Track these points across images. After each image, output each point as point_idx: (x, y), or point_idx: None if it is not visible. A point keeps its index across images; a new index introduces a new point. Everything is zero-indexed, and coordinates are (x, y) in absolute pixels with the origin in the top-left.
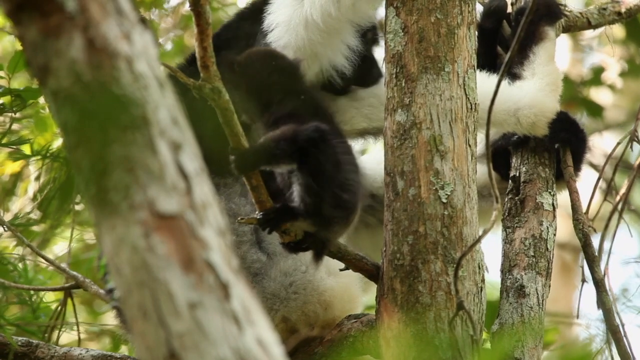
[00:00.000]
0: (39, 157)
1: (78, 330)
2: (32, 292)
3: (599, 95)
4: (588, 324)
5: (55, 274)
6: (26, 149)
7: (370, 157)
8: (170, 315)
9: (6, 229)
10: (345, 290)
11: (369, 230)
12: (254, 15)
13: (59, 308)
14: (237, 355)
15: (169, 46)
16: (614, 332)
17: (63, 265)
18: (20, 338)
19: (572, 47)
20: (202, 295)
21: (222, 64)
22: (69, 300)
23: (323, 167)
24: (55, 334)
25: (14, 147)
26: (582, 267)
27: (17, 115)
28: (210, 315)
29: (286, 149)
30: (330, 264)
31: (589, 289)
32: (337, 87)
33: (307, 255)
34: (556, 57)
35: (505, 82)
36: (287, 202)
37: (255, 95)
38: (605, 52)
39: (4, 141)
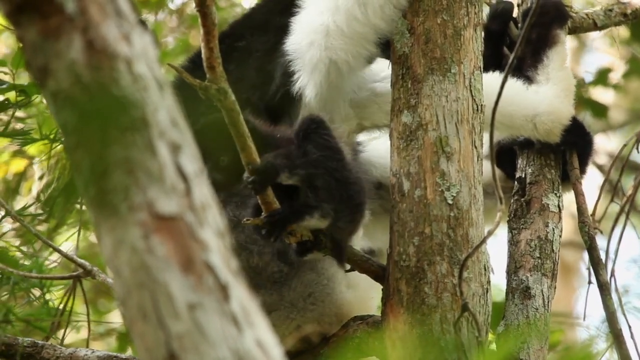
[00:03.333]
0: (44, 157)
1: (88, 317)
2: (41, 281)
3: (602, 95)
4: (593, 326)
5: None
6: (31, 149)
7: (380, 144)
8: (170, 317)
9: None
10: (362, 304)
11: (374, 217)
12: (281, 6)
13: (67, 295)
14: (237, 356)
15: (173, 45)
16: (616, 336)
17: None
18: (26, 339)
19: (577, 48)
20: (201, 296)
21: None
22: (76, 297)
23: (324, 150)
24: (62, 325)
25: (18, 145)
26: (589, 269)
27: (22, 115)
28: (210, 317)
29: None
30: (350, 276)
31: (594, 289)
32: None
33: (330, 269)
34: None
35: (523, 87)
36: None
37: None
38: (609, 52)
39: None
